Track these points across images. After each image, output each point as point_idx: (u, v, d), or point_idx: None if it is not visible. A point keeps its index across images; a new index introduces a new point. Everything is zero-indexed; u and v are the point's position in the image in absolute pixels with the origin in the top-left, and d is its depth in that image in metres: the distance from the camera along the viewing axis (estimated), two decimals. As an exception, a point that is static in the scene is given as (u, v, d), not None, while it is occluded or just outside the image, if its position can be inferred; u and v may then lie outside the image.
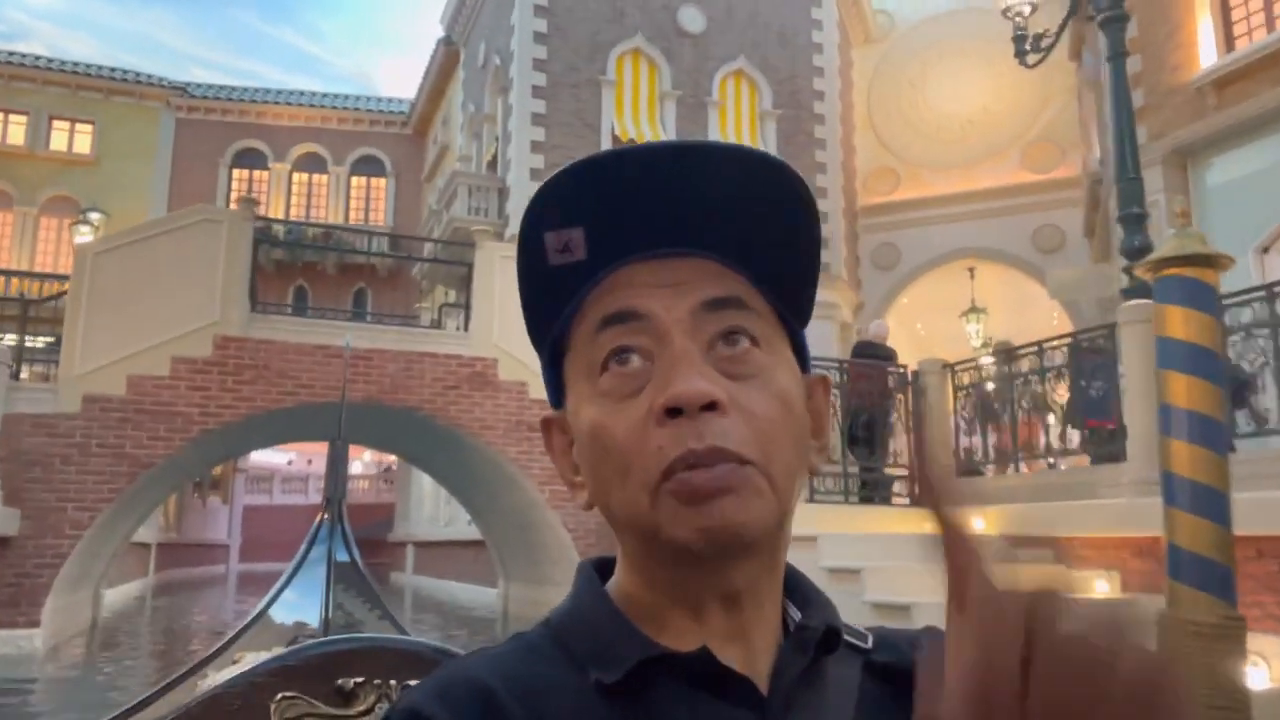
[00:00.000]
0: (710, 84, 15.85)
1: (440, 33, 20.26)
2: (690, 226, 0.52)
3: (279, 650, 0.99)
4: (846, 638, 0.56)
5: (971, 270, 18.00)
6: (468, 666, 0.51)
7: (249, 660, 1.10)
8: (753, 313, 0.52)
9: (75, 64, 22.54)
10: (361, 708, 0.92)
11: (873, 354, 8.44)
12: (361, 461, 43.01)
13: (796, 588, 0.57)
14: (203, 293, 8.55)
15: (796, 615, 0.55)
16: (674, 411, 0.48)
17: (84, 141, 21.82)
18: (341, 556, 2.69)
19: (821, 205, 16.37)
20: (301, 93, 23.71)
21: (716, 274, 0.52)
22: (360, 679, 0.92)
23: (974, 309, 17.55)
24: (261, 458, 35.02)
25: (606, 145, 14.88)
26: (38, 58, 22.53)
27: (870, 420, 7.82)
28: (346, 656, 0.92)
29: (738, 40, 16.16)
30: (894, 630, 0.60)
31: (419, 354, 9.10)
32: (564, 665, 0.51)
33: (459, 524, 18.47)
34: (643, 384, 0.51)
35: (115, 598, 14.89)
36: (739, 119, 16.03)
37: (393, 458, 40.37)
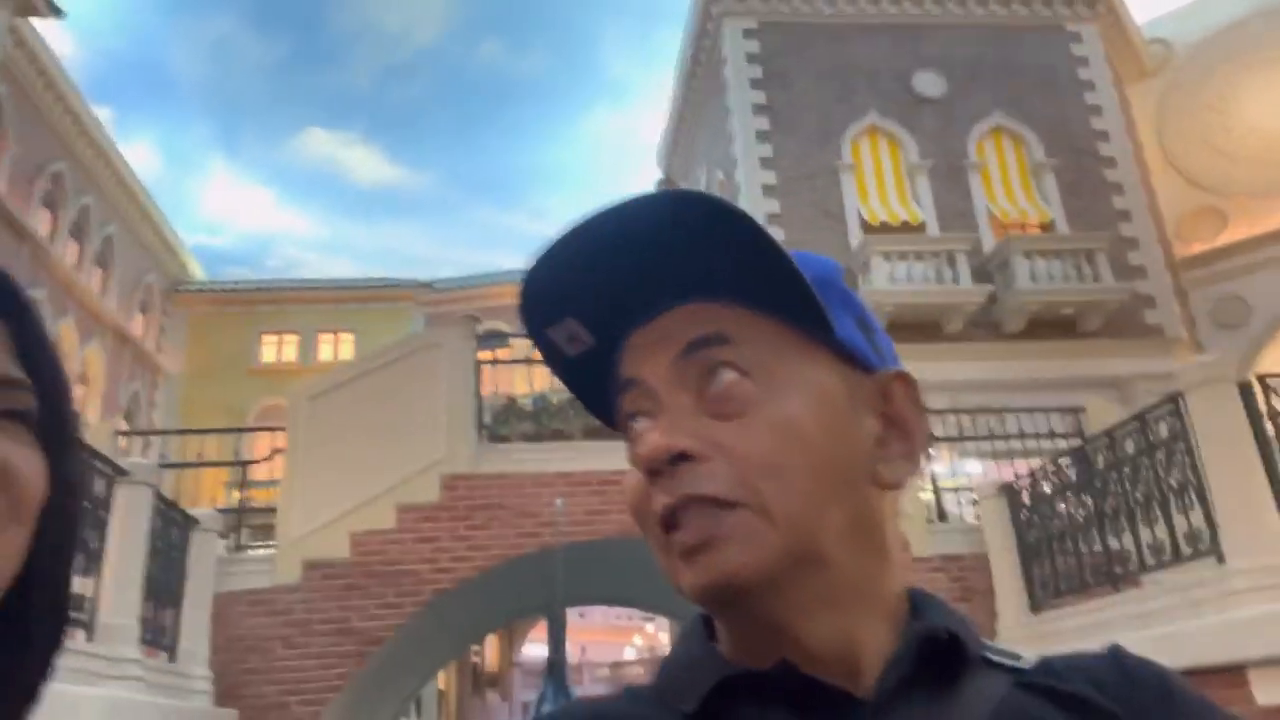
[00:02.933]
0: (964, 147, 13.73)
1: (658, 176, 19.79)
2: (659, 280, 0.51)
3: None
4: (991, 655, 0.53)
5: (1354, 312, 13.93)
6: (563, 711, 0.54)
7: None
8: (735, 344, 0.51)
9: (335, 281, 24.24)
10: None
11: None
12: (634, 646, 41.18)
13: (921, 607, 0.54)
14: (426, 428, 7.28)
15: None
16: (654, 472, 0.49)
17: (346, 349, 22.98)
18: None
19: (1133, 258, 13.32)
20: (534, 269, 24.04)
21: (700, 316, 0.51)
22: None
23: (1371, 361, 13.33)
24: (534, 651, 34.19)
25: (855, 233, 12.99)
26: (304, 281, 24.49)
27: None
28: None
29: (989, 95, 14.08)
30: (1067, 657, 0.56)
31: (680, 470, 7.22)
32: (658, 707, 0.51)
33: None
34: None
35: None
36: (1007, 177, 13.68)
37: (664, 638, 38.25)
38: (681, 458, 0.48)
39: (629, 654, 40.19)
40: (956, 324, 12.26)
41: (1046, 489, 6.65)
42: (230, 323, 22.75)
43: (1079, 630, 6.03)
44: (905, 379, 0.54)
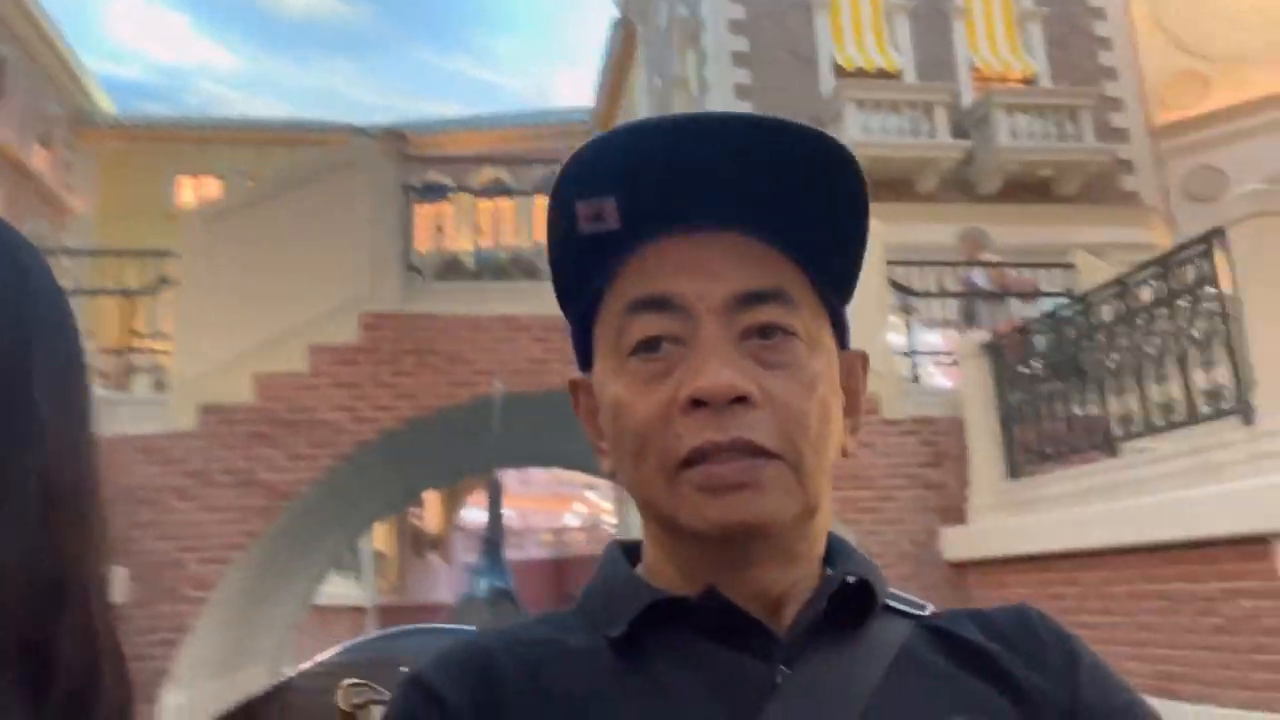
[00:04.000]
0: (950, -12, 12.61)
1: (614, 15, 18.22)
2: (726, 201, 0.50)
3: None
4: (895, 604, 0.55)
5: (1327, 188, 13.46)
6: (477, 636, 0.52)
7: None
8: (793, 304, 0.51)
9: (261, 121, 22.39)
10: None
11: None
12: (575, 513, 41.59)
13: (835, 552, 0.56)
14: (343, 260, 6.35)
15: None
16: (699, 403, 0.48)
17: (274, 197, 21.44)
18: (499, 585, 1.32)
19: (1116, 120, 12.57)
20: (478, 117, 22.47)
21: (754, 256, 0.51)
22: None
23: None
24: (476, 515, 34.23)
25: (827, 79, 11.96)
26: (226, 120, 22.59)
27: None
28: (412, 641, 0.86)
29: (979, -68, 12.86)
30: (975, 610, 0.57)
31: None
32: (579, 631, 0.52)
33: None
34: (670, 368, 0.50)
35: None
36: (991, 25, 12.67)
37: (607, 506, 38.55)
38: (738, 399, 0.48)
39: (570, 521, 40.60)
40: (930, 182, 11.50)
41: (1038, 345, 6.05)
42: (144, 162, 20.91)
43: (1063, 497, 5.56)
44: (865, 360, 0.57)
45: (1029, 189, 11.83)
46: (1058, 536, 5.34)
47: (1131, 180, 12.30)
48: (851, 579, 0.52)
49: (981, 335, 6.56)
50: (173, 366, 5.98)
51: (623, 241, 0.51)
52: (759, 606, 0.50)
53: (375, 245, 6.41)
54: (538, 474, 42.41)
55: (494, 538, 4.58)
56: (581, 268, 0.54)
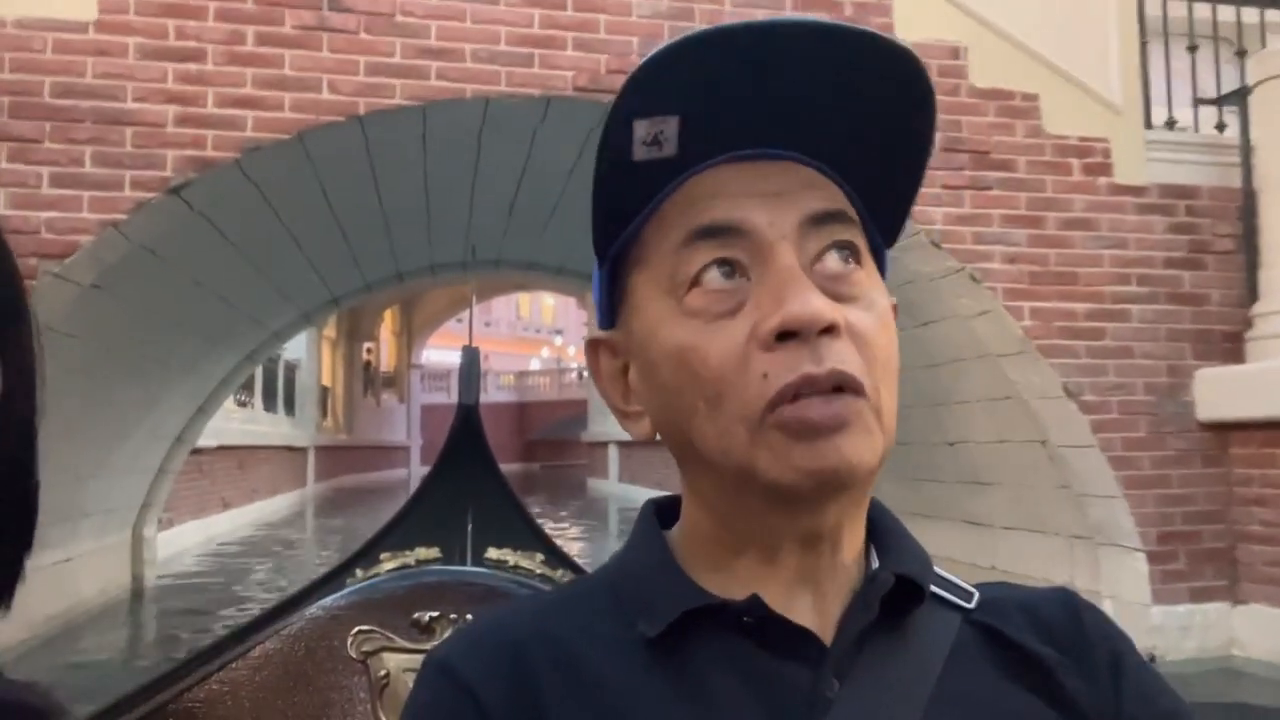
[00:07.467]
0: None
1: None
2: (789, 126, 0.47)
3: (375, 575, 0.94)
4: (940, 591, 0.51)
5: None
6: (505, 618, 0.50)
7: (385, 566, 1.03)
8: (856, 227, 0.48)
9: None
10: (437, 641, 0.83)
11: None
12: (539, 358, 39.39)
13: (880, 530, 0.52)
14: None
15: (876, 564, 0.51)
16: (786, 335, 0.44)
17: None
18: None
19: None
20: None
21: (815, 183, 0.47)
22: (436, 613, 0.91)
23: None
24: (436, 357, 31.95)
25: None
26: None
27: None
28: (423, 590, 0.90)
29: None
30: (1010, 589, 0.54)
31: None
32: (611, 617, 0.49)
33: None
34: (739, 303, 0.46)
35: (235, 523, 10.80)
36: None
37: (572, 351, 36.28)
38: (827, 330, 0.44)
39: (534, 365, 38.37)
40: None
41: None
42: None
43: None
44: (895, 309, 0.52)
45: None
46: None
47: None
48: (904, 576, 0.48)
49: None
50: None
51: (676, 170, 0.47)
52: (803, 598, 0.48)
53: None
54: (502, 312, 39.79)
55: (468, 403, 3.01)
56: (628, 201, 0.48)
